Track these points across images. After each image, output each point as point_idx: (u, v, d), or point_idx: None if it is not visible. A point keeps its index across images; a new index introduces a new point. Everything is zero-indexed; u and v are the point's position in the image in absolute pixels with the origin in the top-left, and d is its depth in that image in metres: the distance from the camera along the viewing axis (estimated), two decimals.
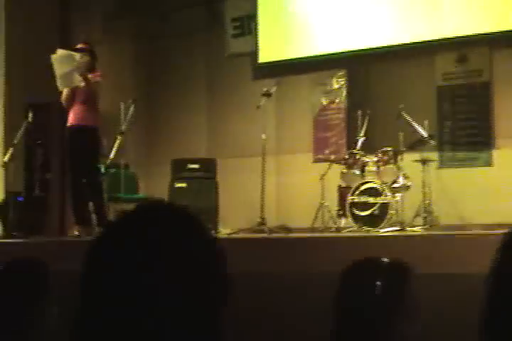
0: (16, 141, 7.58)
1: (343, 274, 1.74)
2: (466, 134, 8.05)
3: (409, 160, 7.16)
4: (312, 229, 7.48)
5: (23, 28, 9.23)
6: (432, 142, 7.22)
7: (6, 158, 7.50)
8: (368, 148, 7.47)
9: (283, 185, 9.27)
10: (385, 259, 1.76)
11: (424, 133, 7.10)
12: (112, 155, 7.57)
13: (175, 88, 10.05)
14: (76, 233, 6.63)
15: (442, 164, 7.92)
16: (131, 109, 7.33)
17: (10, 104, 8.11)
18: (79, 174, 6.66)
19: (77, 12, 10.82)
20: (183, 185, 8.13)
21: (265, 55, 9.53)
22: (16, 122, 8.04)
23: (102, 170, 8.17)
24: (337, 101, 9.30)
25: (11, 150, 7.49)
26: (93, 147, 6.67)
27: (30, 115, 7.80)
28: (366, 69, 9.07)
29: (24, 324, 2.06)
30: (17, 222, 7.65)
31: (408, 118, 7.13)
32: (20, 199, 8.47)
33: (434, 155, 7.60)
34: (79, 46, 6.42)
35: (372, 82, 9.01)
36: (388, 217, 6.71)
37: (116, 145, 7.26)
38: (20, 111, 8.83)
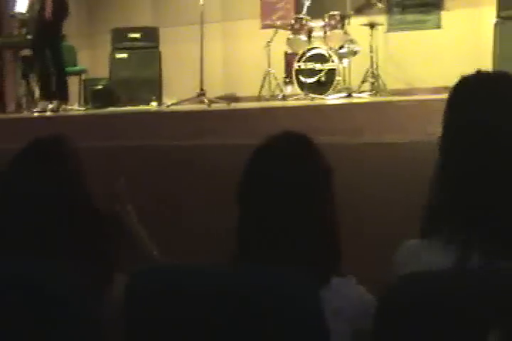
0: None
1: (254, 149, 1.63)
2: None
3: (356, 24, 6.96)
4: (259, 98, 7.37)
5: None
6: (380, 5, 7.01)
7: None
8: (315, 13, 7.20)
9: (229, 53, 9.01)
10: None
11: None
12: None
13: None
14: (40, 108, 6.38)
15: (390, 28, 7.70)
16: None
17: None
18: (43, 45, 6.24)
19: None
20: (124, 55, 7.84)
21: None
22: None
23: None
24: None
25: None
26: (57, 14, 6.20)
27: None
28: None
29: None
30: None
31: None
32: None
33: (382, 19, 7.38)
34: None
35: None
36: (335, 83, 6.63)
37: None
38: None
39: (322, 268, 1.52)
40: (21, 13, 6.47)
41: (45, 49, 6.24)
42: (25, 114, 7.24)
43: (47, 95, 6.42)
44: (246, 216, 1.58)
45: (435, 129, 1.59)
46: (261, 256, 1.53)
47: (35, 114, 6.37)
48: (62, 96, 6.35)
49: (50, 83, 6.40)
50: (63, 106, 6.37)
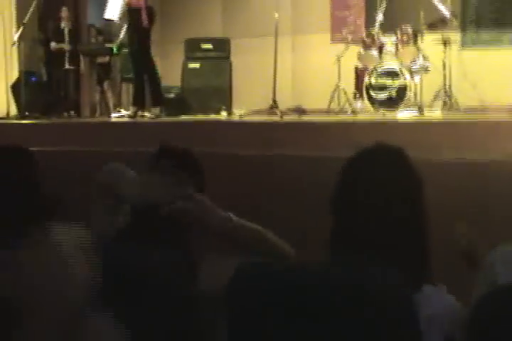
0: (25, 21, 7.40)
1: (349, 160, 1.68)
2: (490, 12, 7.69)
3: (429, 40, 6.89)
4: (327, 111, 7.40)
5: None
6: (455, 21, 6.93)
7: (15, 38, 7.37)
8: (387, 28, 7.20)
9: (299, 66, 9.09)
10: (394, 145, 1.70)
11: (446, 12, 6.80)
12: (122, 35, 7.41)
13: None
14: (130, 113, 6.56)
15: (464, 45, 7.64)
16: None
17: None
18: (140, 52, 6.42)
19: None
20: (196, 65, 8.01)
21: None
22: (27, 2, 7.82)
23: (115, 50, 8.05)
24: None
25: (21, 30, 7.34)
26: (150, 23, 6.35)
27: None
28: None
29: None
30: (31, 102, 7.63)
31: None
32: (34, 79, 8.39)
33: (455, 36, 7.32)
34: None
35: None
36: (406, 99, 6.58)
37: (125, 25, 7.03)
38: None
39: (415, 275, 1.56)
40: (111, 21, 6.65)
41: (141, 55, 6.39)
42: (100, 119, 7.47)
43: (137, 101, 6.58)
44: (340, 226, 1.64)
45: None
46: (354, 265, 1.57)
47: (113, 119, 6.55)
48: (158, 102, 6.49)
49: (143, 89, 6.58)
50: (139, 113, 6.54)
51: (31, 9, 7.46)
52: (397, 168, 1.64)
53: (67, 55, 8.14)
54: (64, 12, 8.26)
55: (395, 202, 1.59)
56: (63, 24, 8.23)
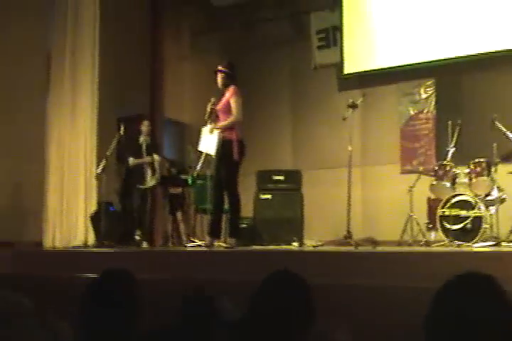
0: (108, 153, 7.79)
1: (438, 292, 1.69)
2: None
3: (504, 171, 6.84)
4: (400, 243, 7.32)
5: (116, 44, 9.54)
6: None
7: (98, 170, 7.72)
8: (459, 159, 7.24)
9: (369, 197, 9.15)
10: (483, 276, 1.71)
11: None
12: (198, 167, 7.68)
13: (260, 99, 10.11)
14: (206, 243, 6.64)
15: None
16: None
17: (102, 117, 8.35)
18: (225, 185, 6.58)
19: (167, 29, 11.11)
20: (268, 196, 8.17)
21: (350, 66, 9.46)
22: (107, 135, 8.26)
23: (190, 181, 8.31)
24: (425, 110, 9.12)
25: (103, 163, 7.70)
26: (240, 157, 6.58)
27: (122, 128, 8.00)
28: (456, 77, 8.85)
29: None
30: (109, 232, 7.84)
31: (502, 127, 6.85)
32: (112, 209, 8.67)
33: None
34: (219, 67, 6.68)
35: (463, 90, 8.78)
36: (482, 231, 6.44)
37: (202, 156, 7.32)
38: (112, 124, 9.10)
39: None
40: (208, 154, 6.93)
41: (226, 187, 6.55)
42: (176, 248, 7.57)
43: (213, 231, 6.67)
44: None
45: None
46: None
47: (188, 249, 6.63)
48: (235, 233, 6.55)
49: (220, 220, 6.69)
50: (215, 243, 6.62)
51: (113, 144, 7.87)
52: (489, 296, 1.65)
53: (147, 172, 8.09)
54: (144, 126, 8.24)
55: (485, 329, 1.59)
56: (142, 139, 8.22)
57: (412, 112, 9.21)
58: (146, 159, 8.19)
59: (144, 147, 8.26)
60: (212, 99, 6.82)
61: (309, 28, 10.07)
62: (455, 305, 1.65)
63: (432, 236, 7.14)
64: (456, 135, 7.45)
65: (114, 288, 2.24)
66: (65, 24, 8.35)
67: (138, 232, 8.03)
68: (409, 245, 7.13)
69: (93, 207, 8.09)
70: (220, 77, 6.73)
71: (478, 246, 6.29)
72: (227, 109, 6.61)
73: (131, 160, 8.13)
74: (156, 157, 8.23)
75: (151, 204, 8.32)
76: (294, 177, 8.31)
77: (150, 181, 8.12)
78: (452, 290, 1.69)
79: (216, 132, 6.66)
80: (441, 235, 6.73)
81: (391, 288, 4.15)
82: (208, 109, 6.81)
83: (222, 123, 6.62)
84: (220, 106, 6.70)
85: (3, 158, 8.61)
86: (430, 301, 1.69)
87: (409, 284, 4.14)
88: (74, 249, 7.53)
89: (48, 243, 7.95)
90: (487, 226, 6.47)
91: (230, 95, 6.60)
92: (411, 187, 7.50)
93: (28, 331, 2.01)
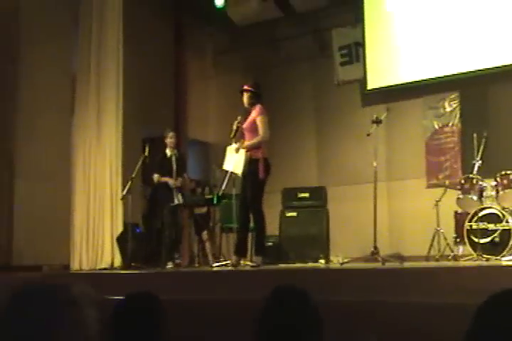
0: (133, 175, 7.81)
1: (479, 308, 1.66)
2: None
3: None
4: (427, 258, 7.24)
5: (139, 65, 9.66)
6: None
7: (124, 192, 7.74)
8: (485, 172, 7.17)
9: (395, 212, 9.07)
10: None
11: None
12: (223, 186, 7.68)
13: (284, 117, 10.12)
14: (233, 261, 6.62)
15: None
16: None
17: (127, 138, 8.42)
18: (251, 203, 6.54)
19: (191, 49, 11.23)
20: (294, 214, 8.14)
21: (374, 81, 9.44)
22: (132, 156, 8.32)
23: (215, 200, 8.32)
24: (450, 124, 9.04)
25: (129, 184, 7.73)
26: (265, 175, 6.58)
27: (147, 149, 8.02)
28: (480, 90, 8.78)
29: None
30: (135, 253, 7.84)
31: None
32: (139, 230, 8.70)
33: None
34: (245, 87, 6.74)
35: (488, 103, 8.70)
36: (510, 244, 6.37)
37: (227, 175, 7.32)
38: (137, 144, 9.16)
39: None
40: (233, 173, 6.94)
41: (252, 205, 6.52)
42: (202, 268, 7.55)
43: (240, 250, 6.65)
44: None
45: None
46: None
47: (215, 269, 6.61)
48: (261, 251, 6.52)
49: (246, 239, 6.68)
50: (241, 262, 6.60)
51: (138, 165, 7.88)
52: None
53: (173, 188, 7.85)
54: (169, 137, 7.95)
55: None
56: (169, 152, 7.95)
57: (436, 126, 9.15)
58: (173, 182, 7.89)
59: (173, 160, 7.98)
60: (239, 118, 6.85)
61: (331, 44, 10.10)
62: (500, 321, 1.63)
63: (460, 250, 7.04)
64: (481, 148, 7.38)
65: (138, 312, 2.24)
66: (89, 47, 8.46)
67: (176, 255, 7.90)
68: (437, 260, 7.04)
69: (119, 229, 8.12)
70: (246, 96, 6.76)
71: (506, 260, 6.19)
72: (253, 128, 6.62)
73: (156, 177, 7.83)
74: (185, 177, 8.17)
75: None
76: (318, 194, 8.26)
77: (179, 198, 7.98)
78: (498, 306, 1.66)
79: (242, 151, 6.66)
80: (469, 249, 6.66)
81: (420, 305, 4.09)
82: (234, 127, 6.83)
83: (250, 142, 6.63)
84: (246, 124, 6.72)
85: (29, 181, 8.71)
86: (473, 316, 1.66)
87: (437, 300, 4.08)
88: (100, 271, 7.53)
89: (74, 266, 7.99)
90: None
91: (256, 114, 6.62)
92: (437, 201, 7.43)
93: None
